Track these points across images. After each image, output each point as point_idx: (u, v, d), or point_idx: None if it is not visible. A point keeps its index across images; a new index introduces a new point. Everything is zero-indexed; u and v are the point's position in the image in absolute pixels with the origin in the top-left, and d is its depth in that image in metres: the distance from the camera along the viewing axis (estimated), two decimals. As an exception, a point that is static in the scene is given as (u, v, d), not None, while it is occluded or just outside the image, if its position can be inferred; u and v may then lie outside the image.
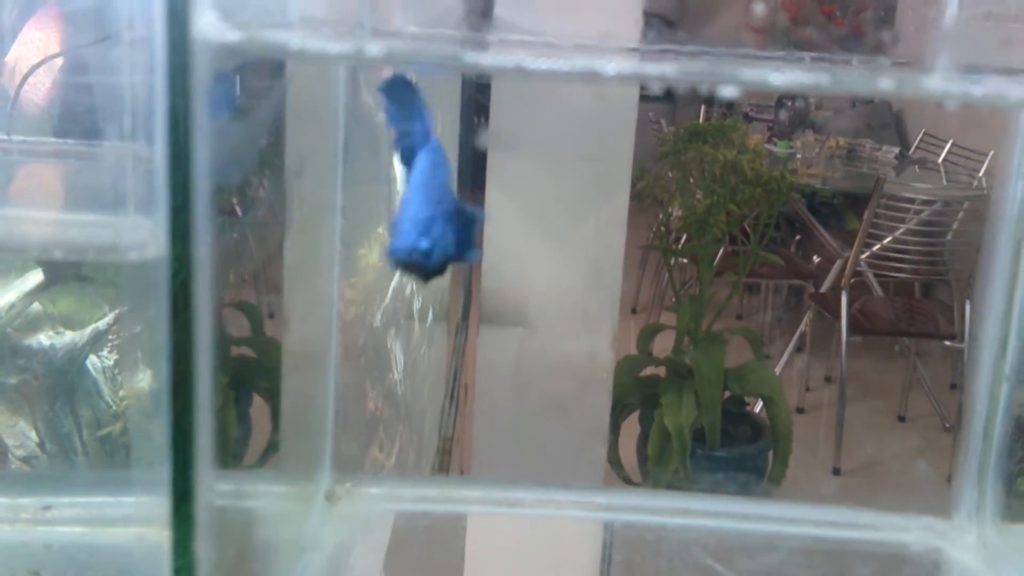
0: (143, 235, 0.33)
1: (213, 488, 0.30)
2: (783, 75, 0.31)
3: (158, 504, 0.33)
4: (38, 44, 0.84)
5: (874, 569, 0.55)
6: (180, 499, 0.30)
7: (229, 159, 0.36)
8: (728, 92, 0.31)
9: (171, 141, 0.27)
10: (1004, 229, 0.54)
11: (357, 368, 0.83)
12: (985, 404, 0.56)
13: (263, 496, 0.52)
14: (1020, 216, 0.53)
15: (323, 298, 0.55)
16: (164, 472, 0.29)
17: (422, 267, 0.56)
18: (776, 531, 0.56)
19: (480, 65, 0.33)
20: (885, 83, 0.32)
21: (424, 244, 0.55)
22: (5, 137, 0.73)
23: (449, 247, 0.57)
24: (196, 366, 0.28)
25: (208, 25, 0.28)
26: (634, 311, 4.16)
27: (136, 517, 0.52)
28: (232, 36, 0.29)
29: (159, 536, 0.35)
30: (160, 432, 0.29)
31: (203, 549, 0.32)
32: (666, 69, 0.30)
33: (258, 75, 0.51)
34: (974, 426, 0.57)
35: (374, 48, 0.32)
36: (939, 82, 0.32)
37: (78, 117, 0.66)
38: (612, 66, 0.31)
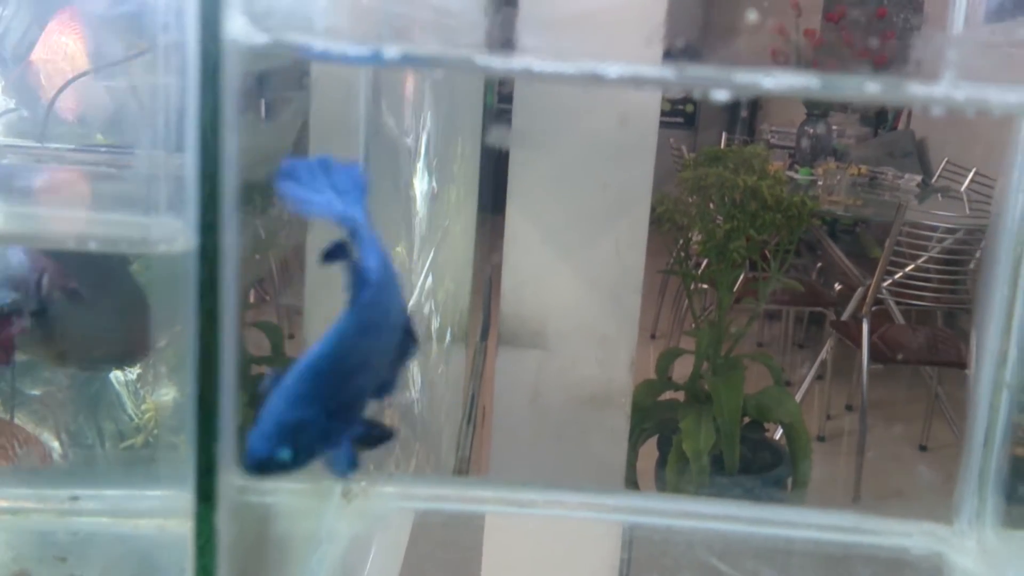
0: (172, 231, 0.35)
1: (234, 471, 0.32)
2: (774, 79, 0.33)
3: (180, 497, 0.34)
4: (66, 49, 0.85)
5: (876, 571, 0.56)
6: (204, 482, 0.31)
7: (258, 158, 0.38)
8: (721, 96, 0.33)
9: (201, 136, 0.29)
10: (1004, 241, 0.55)
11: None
12: (986, 412, 0.57)
13: (281, 492, 0.54)
14: (1020, 228, 0.55)
15: (339, 306, 0.57)
16: (190, 454, 0.31)
17: (280, 472, 0.43)
18: (781, 534, 0.57)
19: (490, 68, 0.35)
20: (871, 87, 0.33)
21: (284, 454, 0.43)
22: (39, 145, 0.76)
23: (318, 446, 0.45)
24: (221, 354, 0.30)
25: (238, 28, 0.30)
26: (653, 336, 4.16)
27: (159, 509, 0.54)
28: (260, 39, 0.31)
29: (180, 527, 0.37)
30: (188, 420, 0.31)
31: (224, 534, 0.33)
32: (665, 72, 0.32)
33: (284, 84, 0.53)
34: (975, 433, 0.58)
35: (392, 51, 0.34)
36: (920, 87, 0.34)
37: (114, 121, 0.69)
38: (614, 69, 0.33)
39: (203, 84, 0.29)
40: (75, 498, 0.55)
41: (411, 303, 1.18)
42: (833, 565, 0.57)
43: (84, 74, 0.84)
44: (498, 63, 0.35)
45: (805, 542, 0.56)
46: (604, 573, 0.63)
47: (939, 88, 0.34)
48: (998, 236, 0.56)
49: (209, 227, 0.30)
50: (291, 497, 0.55)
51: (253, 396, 0.98)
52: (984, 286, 0.56)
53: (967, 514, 0.58)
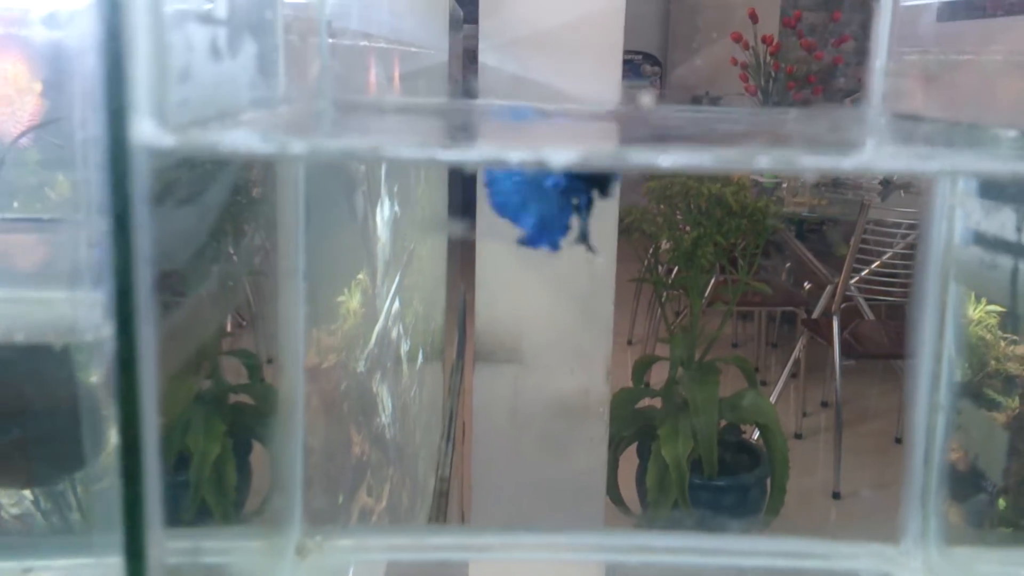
0: (98, 316, 0.36)
1: (165, 547, 0.33)
2: (670, 156, 0.34)
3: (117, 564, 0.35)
4: (5, 73, 0.83)
5: (823, 597, 0.57)
6: (133, 559, 0.32)
7: (178, 243, 0.39)
8: (625, 170, 0.34)
9: (114, 235, 0.30)
10: (932, 267, 0.57)
11: (334, 419, 0.86)
12: (924, 433, 0.58)
13: (229, 552, 0.55)
14: (945, 260, 0.56)
15: (291, 355, 0.58)
16: (116, 520, 0.32)
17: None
18: (732, 564, 0.58)
19: (399, 157, 0.36)
20: (762, 161, 0.35)
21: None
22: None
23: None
24: (143, 438, 0.31)
25: (145, 132, 0.31)
26: (630, 343, 4.18)
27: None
28: (168, 141, 0.32)
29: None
30: (114, 483, 0.32)
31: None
32: (570, 155, 0.33)
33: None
34: (915, 454, 0.59)
35: (298, 147, 0.35)
36: (810, 160, 0.35)
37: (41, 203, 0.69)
38: (516, 155, 0.34)
39: (113, 187, 0.30)
40: (28, 570, 0.55)
41: (377, 328, 1.19)
42: (783, 592, 0.58)
43: (29, 130, 0.84)
44: (406, 153, 0.36)
45: (757, 570, 0.57)
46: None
47: (862, 158, 0.35)
48: (925, 264, 0.57)
49: (124, 321, 0.30)
50: (242, 556, 0.55)
51: (232, 426, 0.97)
52: (915, 310, 0.57)
53: (912, 534, 0.59)
